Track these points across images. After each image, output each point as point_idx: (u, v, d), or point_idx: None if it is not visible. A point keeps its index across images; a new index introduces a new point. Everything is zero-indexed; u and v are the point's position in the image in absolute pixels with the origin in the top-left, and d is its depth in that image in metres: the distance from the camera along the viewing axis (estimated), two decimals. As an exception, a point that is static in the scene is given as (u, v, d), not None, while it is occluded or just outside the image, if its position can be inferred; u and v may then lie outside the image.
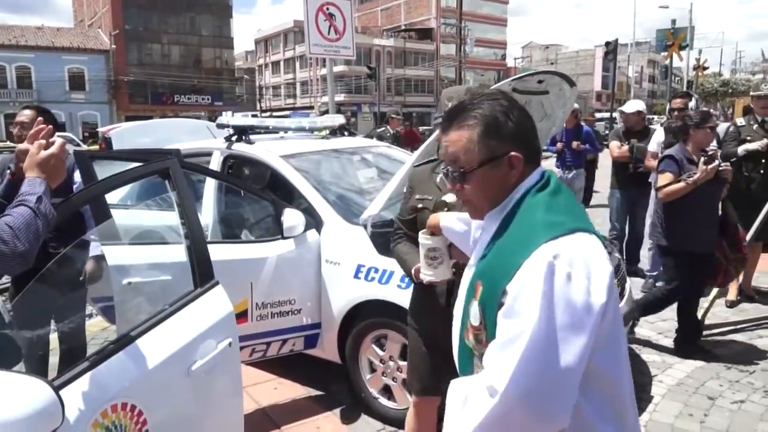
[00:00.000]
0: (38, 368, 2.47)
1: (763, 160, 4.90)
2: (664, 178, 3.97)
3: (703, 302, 4.45)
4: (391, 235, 2.51)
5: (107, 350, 1.65)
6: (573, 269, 1.16)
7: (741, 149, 4.91)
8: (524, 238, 1.22)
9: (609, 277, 1.19)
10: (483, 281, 1.27)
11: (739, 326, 4.63)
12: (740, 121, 5.33)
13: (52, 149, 1.61)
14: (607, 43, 27.19)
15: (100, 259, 3.00)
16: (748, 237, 4.71)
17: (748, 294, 5.18)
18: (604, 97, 59.70)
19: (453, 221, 1.81)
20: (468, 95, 1.96)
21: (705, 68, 41.09)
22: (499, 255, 1.26)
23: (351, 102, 53.41)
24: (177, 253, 2.16)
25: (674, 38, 30.13)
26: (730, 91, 44.22)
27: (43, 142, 1.61)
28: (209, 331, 2.01)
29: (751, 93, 5.30)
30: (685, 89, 37.65)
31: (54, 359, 2.89)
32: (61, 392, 1.30)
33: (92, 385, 1.52)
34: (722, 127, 5.37)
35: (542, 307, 1.13)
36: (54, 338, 3.13)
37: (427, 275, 2.09)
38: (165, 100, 47.18)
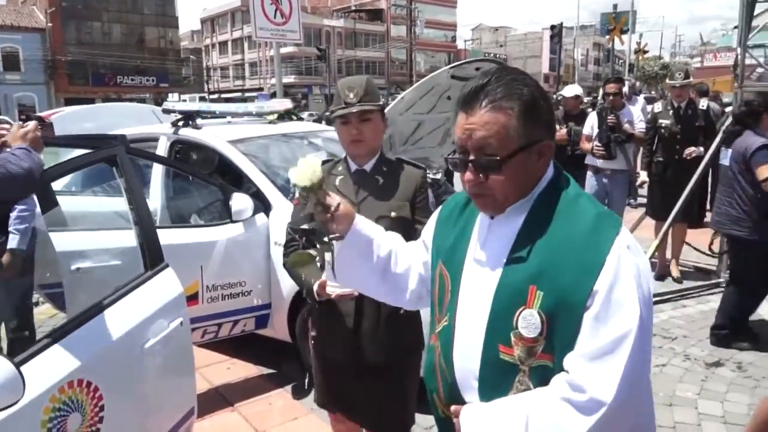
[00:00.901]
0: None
1: (677, 146, 5.22)
2: (765, 169, 3.65)
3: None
4: (284, 248, 2.22)
5: (63, 329, 1.73)
6: (639, 261, 1.12)
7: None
8: (594, 233, 1.11)
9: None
10: (542, 285, 1.11)
11: (665, 297, 4.99)
12: (657, 106, 5.67)
13: (29, 125, 1.93)
14: (552, 26, 27.91)
15: (17, 252, 3.01)
16: (670, 218, 5.09)
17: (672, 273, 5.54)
18: (552, 79, 60.91)
19: (368, 224, 1.47)
20: (368, 84, 1.96)
21: (645, 52, 42.57)
22: (567, 253, 1.11)
23: (301, 84, 52.83)
24: (126, 238, 2.23)
25: (616, 22, 31.11)
26: (668, 73, 45.96)
27: (20, 123, 1.97)
28: (160, 312, 2.11)
29: (667, 81, 5.63)
30: (626, 72, 38.98)
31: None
32: (21, 368, 1.38)
33: (49, 363, 1.60)
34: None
35: (640, 305, 1.06)
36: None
37: (336, 288, 1.90)
38: (107, 81, 45.45)
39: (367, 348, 2.03)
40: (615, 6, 32.77)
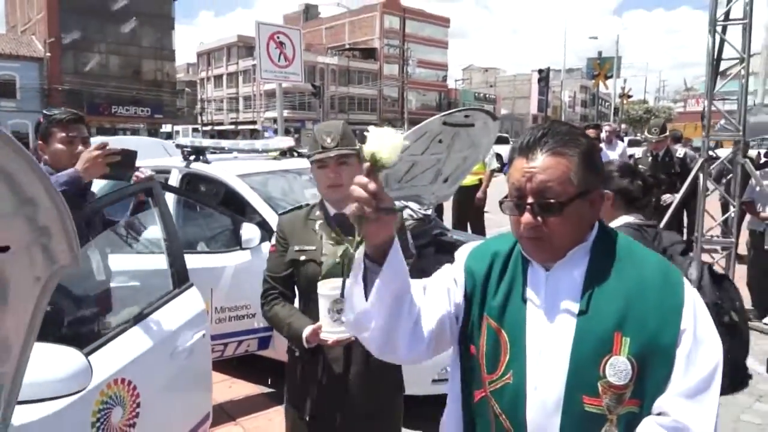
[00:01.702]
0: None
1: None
2: None
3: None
4: (262, 297, 2.14)
5: (109, 335, 2.03)
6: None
7: None
8: (666, 276, 1.17)
9: None
10: (628, 331, 1.12)
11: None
12: (638, 153, 6.16)
13: (94, 151, 2.17)
14: (540, 71, 28.78)
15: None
16: None
17: None
18: (540, 120, 62.41)
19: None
20: (344, 129, 1.97)
21: (629, 96, 43.95)
22: (644, 298, 1.14)
23: (295, 118, 53.58)
24: (158, 260, 2.55)
25: (600, 68, 32.26)
26: (652, 117, 47.45)
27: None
28: (187, 324, 2.41)
29: (645, 134, 6.14)
30: (612, 115, 40.13)
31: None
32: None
33: (102, 361, 1.90)
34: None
35: (718, 339, 1.13)
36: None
37: (333, 334, 1.82)
38: (102, 110, 45.91)
39: (356, 394, 1.97)
40: (600, 53, 34.06)
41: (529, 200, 1.15)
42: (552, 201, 1.14)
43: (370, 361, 1.90)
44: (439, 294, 1.31)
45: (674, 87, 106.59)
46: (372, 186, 1.08)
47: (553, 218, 1.14)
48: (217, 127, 56.32)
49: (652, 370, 1.10)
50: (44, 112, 2.49)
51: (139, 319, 2.19)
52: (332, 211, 2.03)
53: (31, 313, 0.97)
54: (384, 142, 1.11)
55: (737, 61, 5.48)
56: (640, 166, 5.67)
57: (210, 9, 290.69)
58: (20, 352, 1.05)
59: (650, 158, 5.76)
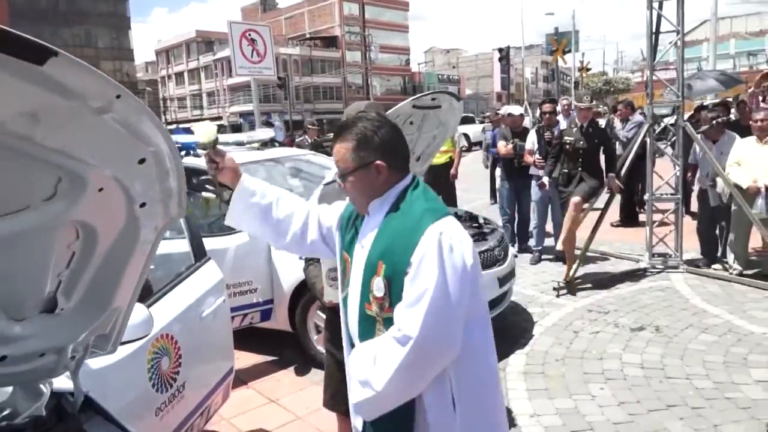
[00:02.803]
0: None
1: (579, 159, 5.84)
2: None
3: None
4: (305, 263, 2.66)
5: (156, 297, 2.43)
6: (453, 241, 1.52)
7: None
8: (416, 222, 1.55)
9: (471, 244, 1.59)
10: (385, 260, 1.56)
11: (599, 278, 5.90)
12: (563, 124, 6.49)
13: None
14: (500, 50, 29.32)
15: None
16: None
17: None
18: (504, 98, 63.19)
19: (255, 181, 1.95)
20: (368, 108, 2.42)
21: (588, 69, 44.99)
22: (397, 237, 1.56)
23: (261, 111, 53.16)
24: (181, 242, 2.95)
25: (558, 43, 33.00)
26: (611, 89, 48.66)
27: None
28: (210, 291, 2.82)
29: (575, 103, 6.35)
30: (573, 88, 41.04)
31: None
32: (148, 314, 2.10)
33: (156, 316, 2.30)
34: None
35: (439, 271, 1.48)
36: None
37: (330, 296, 2.22)
38: (63, 116, 45.07)
39: None
40: (556, 29, 34.86)
41: (337, 172, 1.72)
42: (342, 174, 1.68)
43: None
44: (324, 219, 1.94)
45: (632, 57, 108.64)
46: (207, 158, 1.87)
47: (346, 184, 1.68)
48: (182, 125, 55.72)
49: (394, 288, 1.54)
50: None
51: (174, 286, 2.60)
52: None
53: (147, 255, 1.38)
54: (200, 131, 1.89)
55: (675, 33, 6.02)
56: (566, 138, 5.95)
57: (163, 5, 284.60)
58: (133, 290, 1.46)
59: (574, 128, 5.94)
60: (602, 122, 6.44)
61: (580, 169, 5.85)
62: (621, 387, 3.70)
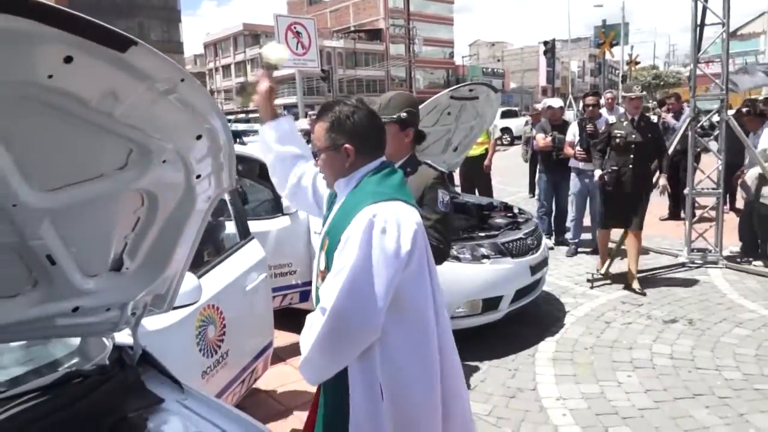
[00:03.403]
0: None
1: (631, 155, 5.30)
2: None
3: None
4: None
5: (204, 270, 2.65)
6: (387, 225, 1.59)
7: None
8: (356, 203, 1.66)
9: (414, 233, 1.63)
10: (328, 236, 1.72)
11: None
12: (612, 118, 6.00)
13: None
14: (545, 43, 28.87)
15: None
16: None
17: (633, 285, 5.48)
18: (549, 92, 62.19)
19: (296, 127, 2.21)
20: (390, 99, 2.49)
21: (637, 63, 43.77)
22: (340, 216, 1.70)
23: (305, 103, 53.88)
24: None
25: (606, 36, 32.25)
26: (661, 83, 47.30)
27: None
28: (253, 267, 3.03)
29: (623, 93, 5.80)
30: (621, 82, 40.05)
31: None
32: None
33: (203, 288, 2.52)
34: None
35: (360, 248, 1.56)
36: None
37: None
38: (116, 106, 46.68)
39: None
40: (604, 21, 33.99)
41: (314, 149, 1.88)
42: (316, 150, 1.83)
43: None
44: (320, 185, 2.10)
45: (684, 51, 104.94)
46: (264, 86, 2.14)
47: (318, 160, 1.84)
48: (228, 117, 56.92)
49: (329, 262, 1.65)
50: None
51: (220, 261, 2.81)
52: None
53: (200, 223, 1.57)
54: (273, 51, 2.06)
55: (720, 25, 5.94)
56: (615, 131, 5.43)
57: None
58: (187, 255, 1.66)
59: (625, 122, 5.43)
60: (654, 118, 6.26)
61: (631, 166, 5.31)
62: (648, 375, 3.76)
